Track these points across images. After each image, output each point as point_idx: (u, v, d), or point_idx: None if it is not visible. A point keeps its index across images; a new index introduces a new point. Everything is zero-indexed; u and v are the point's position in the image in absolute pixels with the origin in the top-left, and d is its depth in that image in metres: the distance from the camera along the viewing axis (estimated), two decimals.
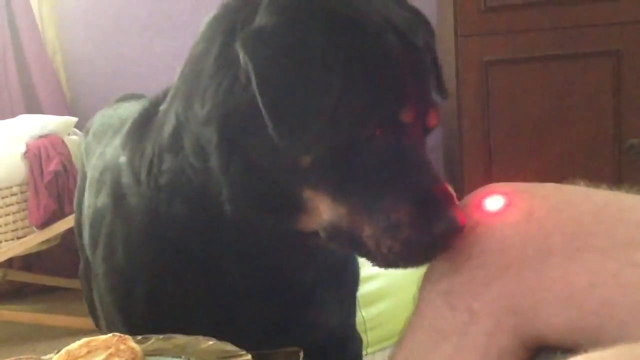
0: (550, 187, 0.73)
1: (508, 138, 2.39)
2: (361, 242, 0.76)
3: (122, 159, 0.99)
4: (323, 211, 0.78)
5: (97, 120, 1.57)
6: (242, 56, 0.72)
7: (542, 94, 2.35)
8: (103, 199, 1.04)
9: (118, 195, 0.98)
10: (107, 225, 1.00)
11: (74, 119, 2.87)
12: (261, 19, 0.75)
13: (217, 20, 0.84)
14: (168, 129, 0.89)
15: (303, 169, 0.76)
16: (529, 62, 2.33)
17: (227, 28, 0.80)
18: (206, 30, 0.86)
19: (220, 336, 0.80)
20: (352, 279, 1.11)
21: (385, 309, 2.04)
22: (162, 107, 0.94)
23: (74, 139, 2.73)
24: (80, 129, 2.72)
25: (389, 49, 0.76)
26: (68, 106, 3.23)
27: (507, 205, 0.71)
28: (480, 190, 0.77)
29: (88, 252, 1.20)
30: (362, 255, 0.81)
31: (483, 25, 2.32)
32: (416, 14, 0.87)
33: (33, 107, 3.16)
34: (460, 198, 0.78)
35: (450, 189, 0.76)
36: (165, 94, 0.97)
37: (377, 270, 2.16)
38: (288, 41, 0.73)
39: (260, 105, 0.71)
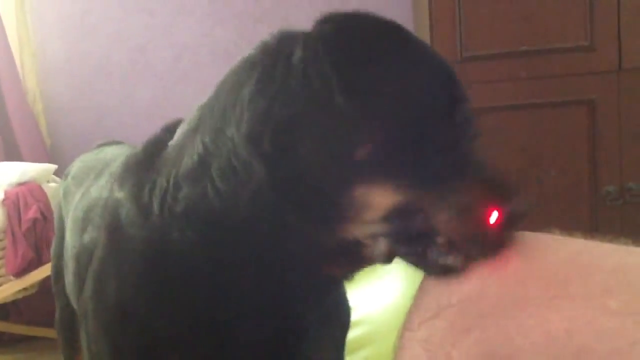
0: (526, 235, 0.74)
1: None
2: (430, 228, 0.76)
3: (120, 194, 0.97)
4: (382, 202, 0.78)
5: (77, 164, 1.57)
6: (314, 50, 0.79)
7: (518, 142, 2.39)
8: (91, 235, 1.03)
9: (113, 229, 0.96)
10: (98, 259, 0.98)
11: (54, 166, 2.86)
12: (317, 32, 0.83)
13: (249, 58, 0.88)
14: (189, 160, 0.89)
15: (358, 162, 0.77)
16: (504, 111, 2.37)
17: (271, 55, 0.84)
18: (238, 67, 0.89)
19: None
20: (345, 319, 1.11)
21: (367, 357, 2.02)
22: (173, 143, 0.95)
23: (53, 187, 2.72)
24: (60, 177, 2.71)
25: (437, 54, 0.87)
26: (48, 154, 3.22)
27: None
28: None
29: (71, 294, 1.18)
30: (427, 255, 0.78)
31: (459, 76, 2.35)
32: None
33: (12, 154, 3.15)
34: None
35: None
36: (168, 132, 0.98)
37: (358, 317, 2.15)
38: (363, 36, 0.82)
39: (336, 84, 0.77)
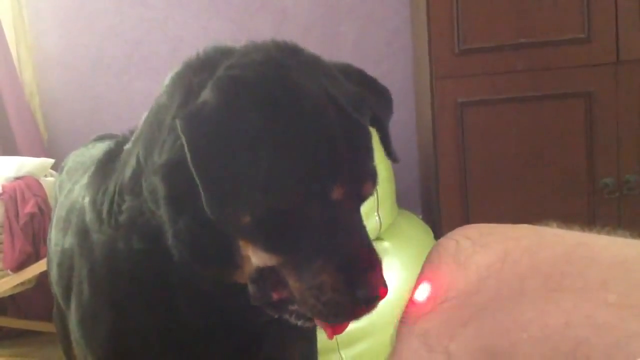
0: (524, 228, 0.74)
1: (483, 177, 2.42)
2: (286, 285, 0.82)
3: (86, 200, 1.02)
4: (255, 259, 0.82)
5: (71, 158, 1.59)
6: (180, 133, 0.77)
7: (516, 134, 2.39)
8: (70, 239, 1.06)
9: (82, 233, 1.01)
10: (76, 263, 1.03)
11: (51, 161, 2.86)
12: (205, 95, 0.80)
13: (178, 77, 0.89)
14: (129, 170, 0.93)
15: (243, 225, 0.80)
16: (502, 103, 2.38)
17: (185, 89, 0.85)
18: (169, 85, 0.90)
19: None
20: (309, 333, 1.12)
21: (365, 349, 2.02)
22: (126, 147, 0.98)
23: (50, 181, 2.71)
24: (57, 171, 2.71)
25: (325, 126, 0.81)
26: (45, 148, 3.22)
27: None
28: (456, 231, 0.77)
29: (57, 290, 1.20)
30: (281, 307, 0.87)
31: (457, 68, 2.36)
32: (371, 86, 0.93)
33: (9, 148, 3.15)
34: (437, 237, 0.80)
35: (378, 254, 0.82)
36: (131, 133, 1.00)
37: None
38: (220, 123, 0.78)
39: (196, 178, 0.76)
